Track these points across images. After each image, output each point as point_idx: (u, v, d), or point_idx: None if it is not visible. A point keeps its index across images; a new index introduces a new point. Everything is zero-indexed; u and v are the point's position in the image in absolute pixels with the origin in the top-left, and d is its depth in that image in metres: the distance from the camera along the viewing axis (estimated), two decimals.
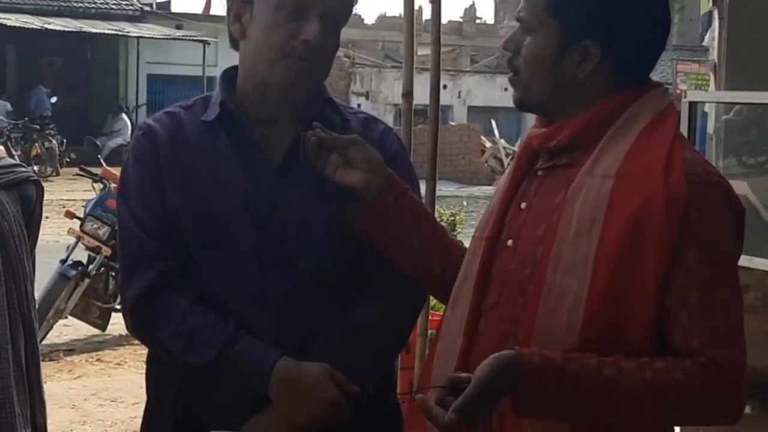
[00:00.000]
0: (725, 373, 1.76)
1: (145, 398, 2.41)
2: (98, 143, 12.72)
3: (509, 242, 2.00)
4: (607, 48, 1.91)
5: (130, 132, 23.98)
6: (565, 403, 1.78)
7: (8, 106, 23.66)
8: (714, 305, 1.79)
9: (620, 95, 1.92)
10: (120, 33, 26.65)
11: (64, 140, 22.39)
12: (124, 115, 25.66)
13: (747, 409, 3.72)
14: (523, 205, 2.00)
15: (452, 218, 7.77)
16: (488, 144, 27.37)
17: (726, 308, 1.81)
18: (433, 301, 6.54)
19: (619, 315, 1.79)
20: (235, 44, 2.32)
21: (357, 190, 2.17)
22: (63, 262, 7.62)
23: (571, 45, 1.92)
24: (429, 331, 4.20)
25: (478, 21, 39.47)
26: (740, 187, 5.32)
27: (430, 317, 4.31)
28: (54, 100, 25.05)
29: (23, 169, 2.34)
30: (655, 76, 2.00)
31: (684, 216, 1.77)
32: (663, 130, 1.88)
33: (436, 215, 4.84)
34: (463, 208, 9.78)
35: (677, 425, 2.08)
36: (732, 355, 1.78)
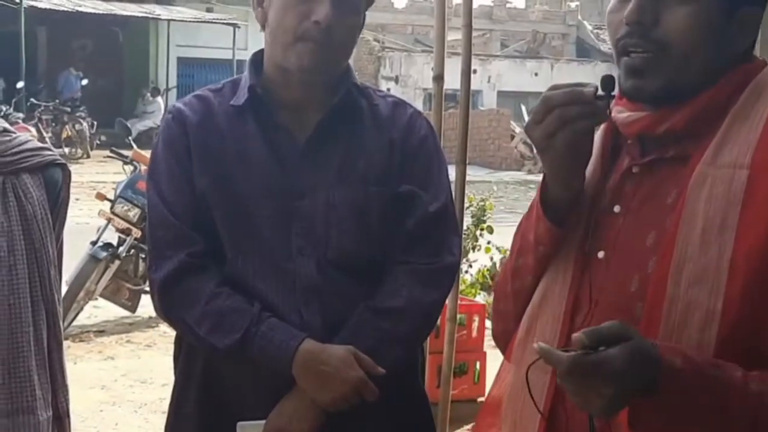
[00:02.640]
0: None
1: (173, 380, 2.43)
2: (128, 125, 12.76)
3: (600, 254, 1.68)
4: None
5: (161, 115, 24.10)
6: (700, 417, 1.46)
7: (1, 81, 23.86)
8: None
9: (739, 71, 1.61)
10: (150, 16, 26.72)
11: (95, 123, 22.51)
12: (159, 98, 25.76)
13: None
14: (616, 209, 1.68)
15: (482, 204, 7.75)
16: (518, 129, 27.27)
17: None
18: (462, 285, 6.55)
19: (758, 328, 1.49)
20: (264, 28, 2.33)
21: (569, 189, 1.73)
22: (93, 243, 7.65)
23: (735, 12, 1.60)
24: (458, 316, 4.20)
25: (508, 5, 39.30)
26: None
27: (459, 301, 4.30)
28: (85, 82, 25.17)
29: (49, 152, 2.34)
30: None
31: None
32: None
33: (466, 201, 4.83)
34: (493, 194, 9.76)
35: None
36: None
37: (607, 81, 1.58)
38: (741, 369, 1.46)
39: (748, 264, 1.48)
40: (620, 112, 1.69)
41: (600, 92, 1.58)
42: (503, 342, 1.87)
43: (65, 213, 2.37)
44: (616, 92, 1.61)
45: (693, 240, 1.53)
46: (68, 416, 2.31)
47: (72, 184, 2.42)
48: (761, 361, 1.46)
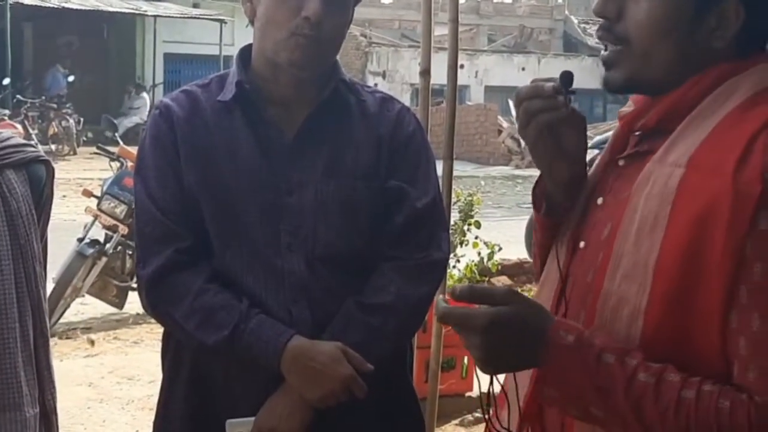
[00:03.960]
0: None
1: (161, 377, 2.42)
2: (115, 122, 12.75)
3: (581, 244, 1.70)
4: (751, 10, 1.56)
5: (148, 111, 24.05)
6: (587, 396, 1.50)
7: None
8: None
9: (713, 71, 1.58)
10: (137, 12, 26.67)
11: (81, 119, 22.45)
12: (144, 94, 25.72)
13: None
14: (599, 200, 1.70)
15: (469, 199, 7.75)
16: (505, 124, 27.30)
17: None
18: (450, 280, 6.55)
19: (682, 331, 1.48)
20: (252, 23, 2.33)
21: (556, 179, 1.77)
22: (80, 240, 7.64)
23: (714, 5, 1.56)
24: None
25: (495, 0, 39.35)
26: None
27: (447, 296, 4.28)
28: (71, 79, 25.10)
29: (32, 148, 2.32)
30: None
31: (753, 221, 1.41)
32: (758, 111, 1.51)
33: (453, 196, 4.83)
34: (480, 189, 9.76)
35: None
36: None
37: (565, 76, 1.61)
38: (641, 359, 1.47)
39: (671, 265, 1.48)
40: (629, 106, 1.72)
41: (561, 86, 1.61)
42: None
43: (49, 209, 2.36)
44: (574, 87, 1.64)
45: (630, 236, 1.55)
46: (55, 413, 2.30)
47: (59, 181, 2.42)
48: (688, 366, 1.46)
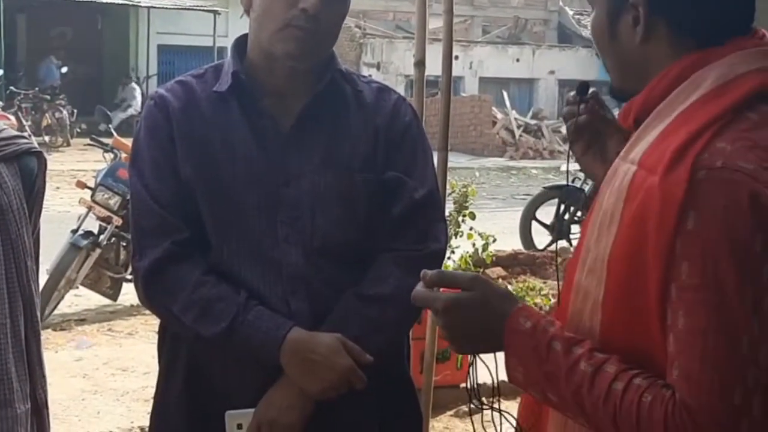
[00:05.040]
0: (694, 424, 1.40)
1: (156, 368, 2.42)
2: (109, 113, 12.73)
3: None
4: (654, 4, 1.59)
5: (140, 102, 24.01)
6: (541, 381, 1.55)
7: None
8: (701, 335, 1.41)
9: (681, 62, 1.58)
10: (130, 3, 26.56)
11: (75, 111, 22.42)
12: (134, 85, 25.67)
13: None
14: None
15: (464, 190, 7.75)
16: (500, 115, 27.29)
17: (719, 343, 1.40)
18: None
19: (632, 326, 1.51)
20: (248, 13, 2.31)
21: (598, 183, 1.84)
22: (74, 232, 7.63)
23: (621, 8, 1.62)
24: None
25: None
26: None
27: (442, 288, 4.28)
28: (65, 70, 25.05)
29: (24, 140, 2.30)
30: None
31: (679, 220, 1.42)
32: (711, 106, 1.49)
33: (448, 187, 4.83)
34: (475, 180, 9.76)
35: None
36: (711, 404, 1.39)
37: (581, 86, 1.74)
38: (588, 349, 1.52)
39: (620, 261, 1.51)
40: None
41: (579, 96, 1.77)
42: None
43: (41, 202, 2.34)
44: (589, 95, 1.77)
45: (594, 231, 1.59)
46: (47, 407, 2.29)
47: (52, 173, 2.41)
48: (643, 360, 1.49)
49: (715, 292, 1.41)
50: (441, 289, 1.68)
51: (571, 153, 1.96)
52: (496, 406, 1.78)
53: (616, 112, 1.81)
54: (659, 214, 1.43)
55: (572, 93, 1.83)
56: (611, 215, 1.54)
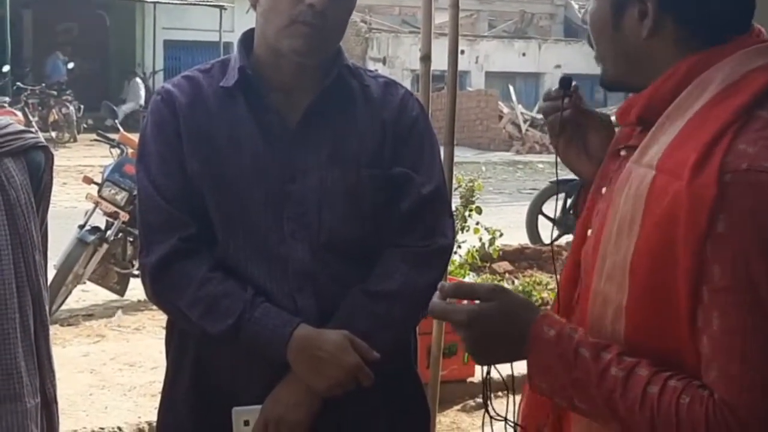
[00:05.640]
0: (738, 421, 1.41)
1: (163, 363, 2.42)
2: (115, 109, 12.74)
3: (589, 231, 1.75)
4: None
5: (143, 97, 24.03)
6: (569, 387, 1.55)
7: None
8: (739, 336, 1.42)
9: (687, 61, 1.59)
10: None
11: (81, 106, 22.42)
12: (138, 80, 25.67)
13: None
14: (603, 190, 1.74)
15: (470, 185, 7.75)
16: (506, 110, 27.26)
17: (756, 342, 1.42)
18: (451, 266, 6.54)
19: (660, 329, 1.51)
20: (255, 8, 2.31)
21: (581, 177, 1.93)
22: (81, 227, 7.64)
23: (628, 1, 1.63)
24: None
25: None
26: None
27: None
28: (71, 66, 25.07)
29: (31, 134, 2.30)
30: None
31: (709, 224, 1.42)
32: (724, 107, 1.50)
33: (454, 182, 4.83)
34: (481, 174, 9.76)
35: None
36: (753, 401, 1.41)
37: (564, 80, 1.74)
38: (617, 354, 1.52)
39: (644, 266, 1.51)
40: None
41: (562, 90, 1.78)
42: None
43: (49, 196, 2.34)
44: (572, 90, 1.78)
45: (612, 237, 1.59)
46: (56, 402, 2.30)
47: (59, 168, 2.42)
48: (672, 364, 1.49)
49: (749, 292, 1.42)
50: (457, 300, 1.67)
51: (553, 148, 1.96)
52: (510, 417, 1.79)
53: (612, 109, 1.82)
54: (688, 219, 1.43)
55: (555, 88, 1.83)
56: (630, 221, 1.54)
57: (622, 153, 1.72)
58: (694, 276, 1.44)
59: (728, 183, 1.42)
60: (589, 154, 1.91)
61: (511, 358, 1.65)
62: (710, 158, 1.44)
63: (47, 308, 2.29)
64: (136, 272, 7.40)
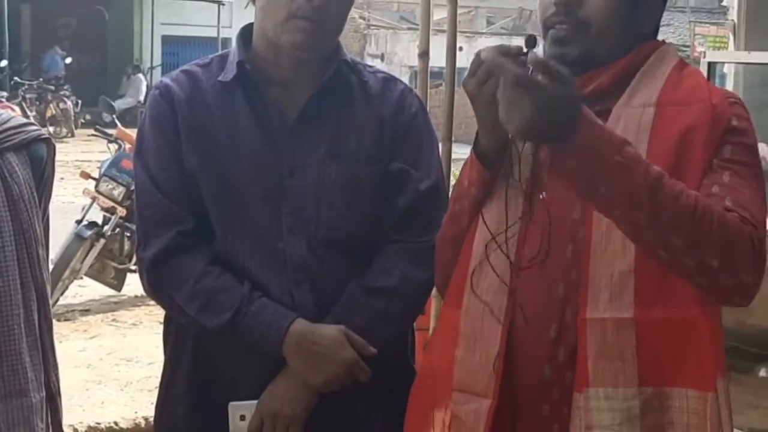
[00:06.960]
0: (757, 230, 1.76)
1: (160, 358, 2.42)
2: (113, 104, 12.74)
3: (543, 194, 1.90)
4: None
5: (144, 93, 24.00)
6: (607, 170, 1.66)
7: None
8: (744, 186, 1.82)
9: (647, 45, 1.99)
10: None
11: (79, 101, 22.40)
12: (140, 75, 25.67)
13: (763, 372, 3.67)
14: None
15: None
16: None
17: (755, 192, 1.84)
18: None
19: None
20: (254, 2, 2.31)
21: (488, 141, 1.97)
22: (78, 222, 7.63)
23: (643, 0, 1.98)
24: None
25: None
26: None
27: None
28: (69, 61, 25.03)
29: (34, 127, 2.30)
30: (673, 39, 2.05)
31: (728, 122, 1.85)
32: (691, 69, 1.99)
33: (452, 178, 4.82)
34: None
35: (691, 272, 1.74)
36: (761, 222, 1.78)
37: (530, 40, 1.77)
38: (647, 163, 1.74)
39: None
40: None
41: (524, 49, 1.74)
42: (445, 290, 2.09)
43: (51, 189, 2.34)
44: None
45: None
46: (60, 395, 2.30)
47: (57, 163, 2.39)
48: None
49: (757, 171, 1.87)
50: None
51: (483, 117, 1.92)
52: None
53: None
54: (713, 122, 1.84)
55: (515, 46, 1.77)
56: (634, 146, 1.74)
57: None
58: (708, 157, 1.82)
59: (732, 103, 1.89)
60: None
61: (545, 132, 1.65)
62: (712, 90, 1.94)
63: (50, 302, 2.29)
64: (133, 267, 7.39)
